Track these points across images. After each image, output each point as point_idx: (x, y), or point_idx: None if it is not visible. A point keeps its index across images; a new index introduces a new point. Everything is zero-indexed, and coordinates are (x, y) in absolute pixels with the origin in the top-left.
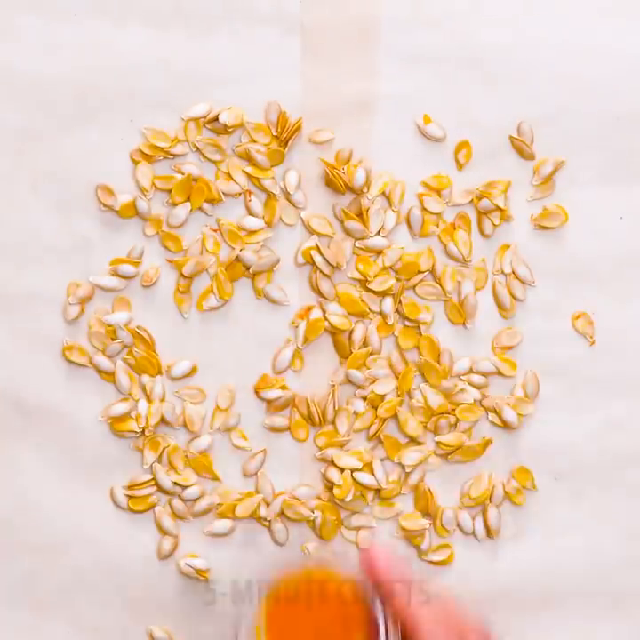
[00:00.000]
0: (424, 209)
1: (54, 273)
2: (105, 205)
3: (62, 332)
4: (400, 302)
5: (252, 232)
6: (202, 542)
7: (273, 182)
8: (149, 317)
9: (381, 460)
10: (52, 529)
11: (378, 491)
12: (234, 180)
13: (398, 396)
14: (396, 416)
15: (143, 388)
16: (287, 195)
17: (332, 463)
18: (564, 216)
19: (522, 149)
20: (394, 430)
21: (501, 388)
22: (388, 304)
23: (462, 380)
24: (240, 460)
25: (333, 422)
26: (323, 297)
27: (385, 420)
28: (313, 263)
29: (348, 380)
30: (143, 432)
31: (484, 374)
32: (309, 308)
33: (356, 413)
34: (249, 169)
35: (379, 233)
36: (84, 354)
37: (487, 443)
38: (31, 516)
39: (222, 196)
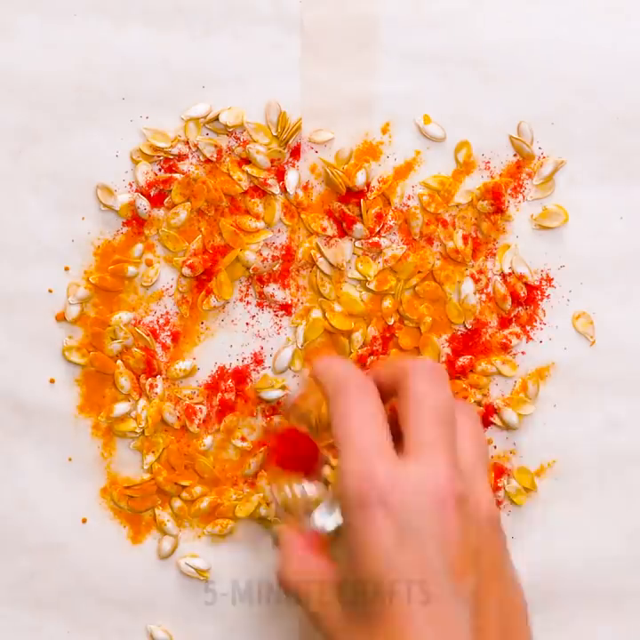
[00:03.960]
0: (424, 209)
1: (54, 273)
2: (105, 205)
3: (62, 331)
4: (400, 302)
5: (251, 232)
6: (202, 542)
7: (273, 182)
8: (149, 317)
9: None
10: (52, 529)
11: None
12: (234, 180)
13: None
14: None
15: (143, 388)
16: (287, 195)
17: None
18: (564, 216)
19: (522, 149)
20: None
21: (501, 388)
22: (388, 304)
23: (462, 379)
24: (240, 460)
25: None
26: (323, 297)
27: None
28: (313, 263)
29: None
30: (143, 432)
31: (484, 374)
32: (309, 308)
33: None
34: (249, 169)
35: (379, 233)
36: (84, 354)
37: (487, 442)
38: (31, 515)
39: (222, 196)
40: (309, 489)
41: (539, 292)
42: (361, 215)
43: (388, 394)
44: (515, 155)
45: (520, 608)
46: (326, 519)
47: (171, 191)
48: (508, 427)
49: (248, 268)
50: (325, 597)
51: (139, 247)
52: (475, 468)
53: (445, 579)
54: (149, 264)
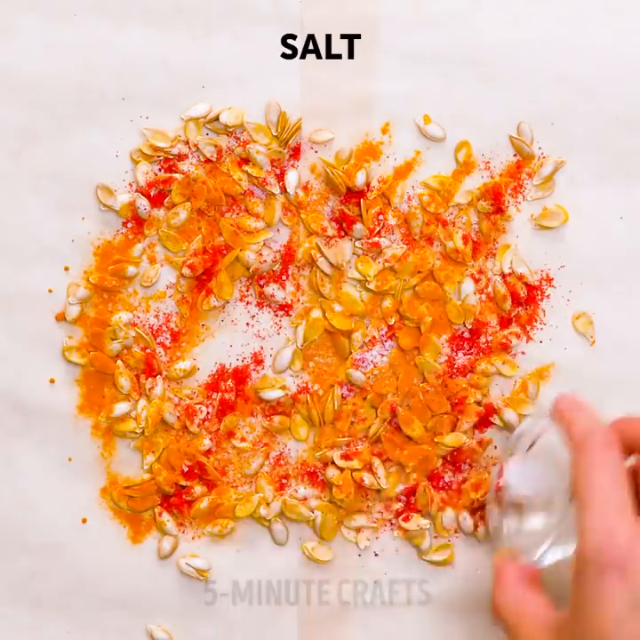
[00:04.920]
0: (424, 209)
1: (54, 273)
2: (105, 205)
3: (62, 331)
4: (400, 302)
5: (252, 232)
6: (202, 542)
7: (273, 182)
8: (149, 317)
9: (382, 460)
10: (52, 529)
11: (378, 491)
12: (234, 180)
13: (398, 396)
14: (395, 416)
15: (143, 388)
16: (287, 195)
17: (332, 463)
18: (564, 216)
19: (522, 149)
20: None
21: (501, 388)
22: (388, 304)
23: (462, 379)
24: (240, 460)
25: (333, 422)
26: (323, 297)
27: (385, 420)
28: (313, 263)
29: (348, 380)
30: (143, 432)
31: (484, 374)
32: (309, 308)
33: (356, 413)
34: (249, 169)
35: (379, 233)
36: (84, 354)
37: (487, 443)
38: (31, 515)
39: (222, 196)
40: (532, 522)
41: (539, 292)
42: (361, 215)
43: (632, 451)
44: (515, 155)
45: None
46: (548, 553)
47: (171, 191)
48: (507, 427)
49: (248, 268)
50: (537, 635)
51: (139, 247)
52: None
53: None
54: (150, 263)
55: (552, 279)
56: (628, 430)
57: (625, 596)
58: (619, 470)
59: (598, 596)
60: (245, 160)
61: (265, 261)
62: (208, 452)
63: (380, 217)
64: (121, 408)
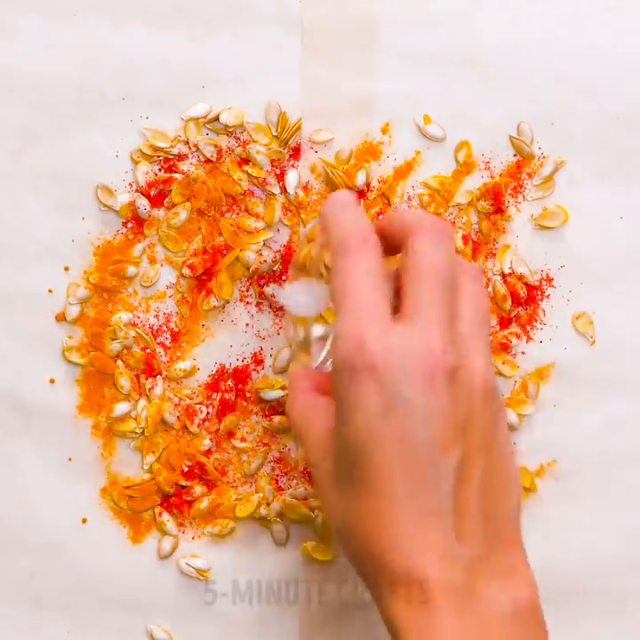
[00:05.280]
0: (424, 209)
1: (54, 273)
2: (105, 205)
3: (62, 331)
4: None
5: (252, 232)
6: (202, 542)
7: (273, 182)
8: (149, 317)
9: None
10: (52, 529)
11: None
12: (234, 180)
13: None
14: None
15: (143, 388)
16: (287, 195)
17: None
18: (564, 216)
19: (522, 149)
20: None
21: (501, 388)
22: None
23: None
24: (240, 460)
25: None
26: None
27: None
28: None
29: None
30: (143, 432)
31: None
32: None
33: None
34: (249, 169)
35: None
36: (84, 354)
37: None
38: (31, 515)
39: (222, 196)
40: (319, 329)
41: (539, 292)
42: None
43: (395, 249)
44: (515, 155)
45: (507, 481)
46: (328, 358)
47: (171, 191)
48: (509, 427)
49: (248, 268)
50: (322, 442)
51: (139, 247)
52: (472, 333)
53: (429, 451)
54: (150, 263)
55: (552, 279)
56: (390, 229)
57: (376, 401)
58: (374, 271)
59: (352, 401)
60: (245, 160)
61: (265, 261)
62: (208, 452)
63: (380, 217)
64: (121, 408)
